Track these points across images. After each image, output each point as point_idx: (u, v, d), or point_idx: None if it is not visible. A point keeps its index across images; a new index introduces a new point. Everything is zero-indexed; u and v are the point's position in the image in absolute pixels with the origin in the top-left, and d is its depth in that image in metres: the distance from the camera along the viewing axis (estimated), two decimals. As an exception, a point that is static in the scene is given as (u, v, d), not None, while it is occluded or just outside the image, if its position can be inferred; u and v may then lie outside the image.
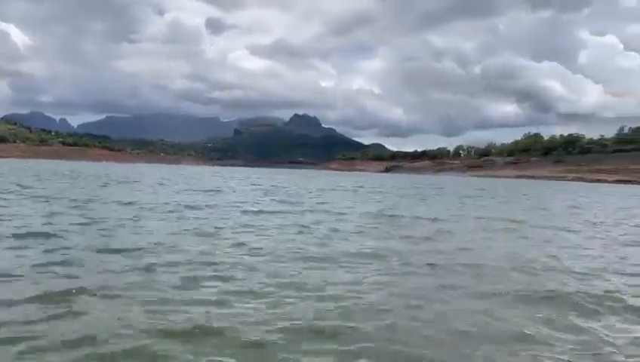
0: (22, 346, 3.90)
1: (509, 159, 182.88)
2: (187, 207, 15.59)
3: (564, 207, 24.90)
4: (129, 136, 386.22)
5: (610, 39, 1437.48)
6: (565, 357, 4.21)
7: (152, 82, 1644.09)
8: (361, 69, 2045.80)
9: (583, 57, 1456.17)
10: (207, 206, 16.31)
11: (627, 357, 4.29)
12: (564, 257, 8.99)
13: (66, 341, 4.05)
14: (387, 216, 15.86)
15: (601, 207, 26.42)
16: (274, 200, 21.23)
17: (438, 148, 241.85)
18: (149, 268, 6.60)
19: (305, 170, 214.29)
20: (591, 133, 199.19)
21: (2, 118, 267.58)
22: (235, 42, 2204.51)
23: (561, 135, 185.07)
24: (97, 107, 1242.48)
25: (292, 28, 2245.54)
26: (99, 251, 7.66)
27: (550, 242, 11.22)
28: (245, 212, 14.93)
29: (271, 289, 5.89)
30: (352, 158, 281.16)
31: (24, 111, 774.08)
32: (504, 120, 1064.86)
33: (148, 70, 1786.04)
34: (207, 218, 12.91)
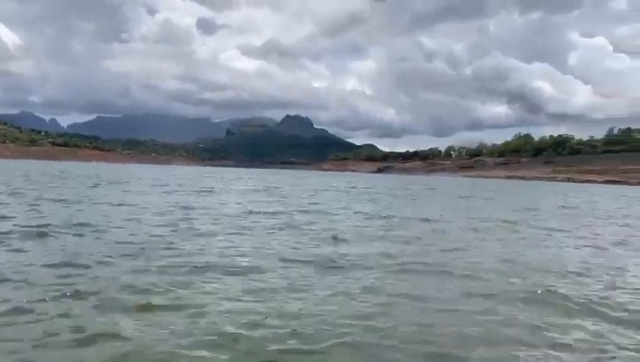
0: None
1: (499, 160, 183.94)
2: (183, 207, 15.52)
3: (555, 207, 25.05)
4: (120, 137, 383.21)
5: (600, 41, 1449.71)
6: (558, 357, 4.23)
7: (143, 82, 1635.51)
8: (353, 69, 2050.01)
9: (572, 58, 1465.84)
10: (199, 207, 16.23)
11: (620, 358, 4.32)
12: (554, 257, 9.04)
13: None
14: (380, 216, 15.86)
15: (592, 207, 26.61)
16: (267, 200, 21.16)
17: (430, 149, 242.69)
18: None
19: (297, 170, 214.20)
20: (580, 134, 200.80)
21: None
22: (227, 42, 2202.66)
23: (551, 136, 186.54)
24: (88, 107, 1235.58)
25: (283, 28, 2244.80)
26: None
27: (541, 242, 11.28)
28: (241, 212, 14.88)
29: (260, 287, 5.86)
30: (345, 159, 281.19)
31: (14, 111, 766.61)
32: (495, 121, 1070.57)
33: (139, 70, 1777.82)
34: (197, 218, 12.85)
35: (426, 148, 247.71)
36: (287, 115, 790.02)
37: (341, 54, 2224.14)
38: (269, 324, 4.70)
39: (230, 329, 4.54)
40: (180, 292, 5.61)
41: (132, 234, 9.66)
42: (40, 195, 17.85)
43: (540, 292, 6.22)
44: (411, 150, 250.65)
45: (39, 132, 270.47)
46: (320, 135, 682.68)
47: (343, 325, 4.77)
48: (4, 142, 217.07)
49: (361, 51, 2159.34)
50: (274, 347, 4.19)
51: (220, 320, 4.75)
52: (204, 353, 4.02)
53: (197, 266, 6.94)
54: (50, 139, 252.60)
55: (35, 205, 14.43)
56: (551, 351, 4.35)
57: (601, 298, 6.10)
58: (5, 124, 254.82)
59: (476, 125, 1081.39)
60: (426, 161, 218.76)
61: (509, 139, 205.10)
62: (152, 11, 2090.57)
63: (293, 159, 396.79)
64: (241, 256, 7.93)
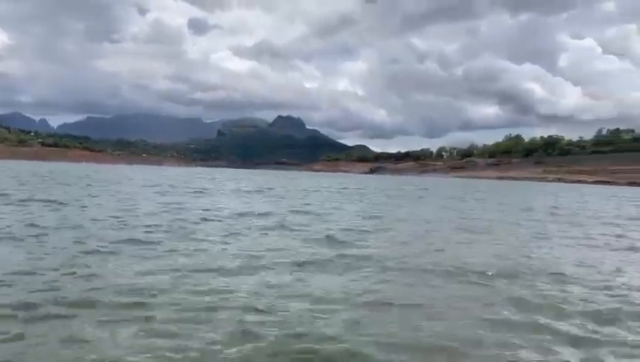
0: None
1: (490, 160, 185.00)
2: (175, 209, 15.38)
3: (546, 207, 25.16)
4: (110, 137, 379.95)
5: (589, 42, 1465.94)
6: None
7: (133, 82, 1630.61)
8: (344, 70, 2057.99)
9: (562, 60, 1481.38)
10: (190, 208, 16.11)
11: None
12: (544, 259, 9.05)
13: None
14: (374, 217, 15.84)
15: (582, 208, 26.78)
16: (259, 201, 21.07)
17: (422, 150, 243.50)
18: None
19: (289, 171, 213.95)
20: (570, 134, 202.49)
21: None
22: (218, 43, 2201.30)
23: (541, 137, 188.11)
24: (78, 107, 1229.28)
25: (275, 29, 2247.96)
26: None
27: (531, 243, 11.30)
28: (233, 213, 14.78)
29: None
30: (337, 159, 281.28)
31: (3, 111, 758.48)
32: (486, 121, 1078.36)
33: (129, 70, 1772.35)
34: (186, 218, 12.73)
35: (418, 148, 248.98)
36: (279, 116, 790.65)
37: (333, 55, 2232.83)
38: (263, 327, 4.65)
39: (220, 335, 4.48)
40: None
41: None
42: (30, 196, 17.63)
43: (524, 296, 6.21)
44: (403, 151, 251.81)
45: (29, 132, 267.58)
46: (312, 135, 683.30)
47: (336, 327, 4.74)
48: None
49: (352, 52, 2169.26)
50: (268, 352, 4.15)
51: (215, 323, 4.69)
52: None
53: (179, 269, 6.86)
54: (39, 140, 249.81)
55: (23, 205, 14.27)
56: (540, 351, 4.35)
57: (592, 301, 6.11)
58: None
59: (467, 126, 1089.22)
60: (418, 161, 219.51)
61: (500, 139, 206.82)
62: (142, 11, 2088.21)
63: (285, 160, 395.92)
64: (233, 257, 7.85)
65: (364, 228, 12.67)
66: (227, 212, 15.38)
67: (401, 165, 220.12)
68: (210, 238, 9.82)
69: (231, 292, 5.81)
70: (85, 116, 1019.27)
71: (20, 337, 4.21)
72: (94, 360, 3.83)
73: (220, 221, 12.90)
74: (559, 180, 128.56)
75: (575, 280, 7.22)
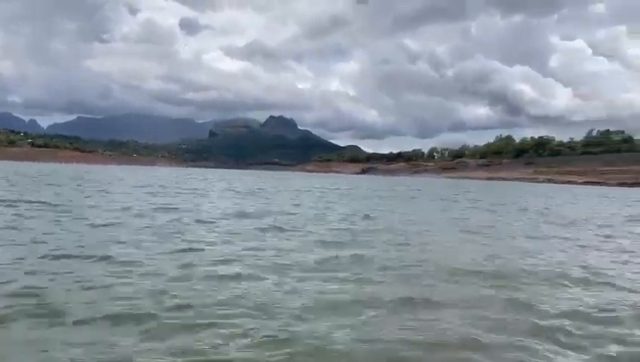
0: None
1: (481, 161, 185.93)
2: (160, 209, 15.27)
3: (538, 208, 25.30)
4: (101, 138, 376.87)
5: (579, 44, 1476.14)
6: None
7: (124, 82, 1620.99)
8: (336, 71, 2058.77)
9: (553, 61, 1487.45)
10: (180, 209, 16.01)
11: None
12: (537, 260, 9.07)
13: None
14: (367, 218, 15.82)
15: (572, 208, 26.99)
16: (250, 203, 20.99)
17: (413, 150, 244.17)
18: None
19: (281, 171, 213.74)
20: (560, 135, 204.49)
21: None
22: (210, 43, 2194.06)
23: (532, 137, 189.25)
24: (68, 108, 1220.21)
25: (267, 30, 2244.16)
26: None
27: (523, 244, 11.33)
28: (225, 214, 14.70)
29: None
30: (328, 160, 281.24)
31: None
32: (477, 122, 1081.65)
33: (120, 70, 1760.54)
34: (178, 218, 12.64)
35: (409, 149, 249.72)
36: (271, 116, 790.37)
37: (325, 56, 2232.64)
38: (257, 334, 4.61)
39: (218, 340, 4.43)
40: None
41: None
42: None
43: (517, 299, 6.19)
44: (394, 151, 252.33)
45: (18, 133, 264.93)
46: (304, 136, 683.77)
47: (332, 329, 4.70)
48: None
49: (344, 53, 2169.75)
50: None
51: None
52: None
53: (167, 274, 6.80)
54: (29, 140, 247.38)
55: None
56: (539, 351, 4.34)
57: (587, 301, 6.12)
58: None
59: (459, 127, 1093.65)
60: (410, 162, 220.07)
61: (491, 140, 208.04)
62: (133, 11, 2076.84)
63: (277, 160, 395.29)
64: (226, 260, 7.79)
65: (357, 229, 12.64)
66: (219, 213, 15.29)
67: (392, 166, 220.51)
68: (201, 240, 9.75)
69: (225, 294, 5.76)
70: (76, 116, 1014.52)
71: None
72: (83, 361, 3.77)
73: (211, 222, 12.81)
74: (549, 181, 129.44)
75: (571, 280, 7.25)
